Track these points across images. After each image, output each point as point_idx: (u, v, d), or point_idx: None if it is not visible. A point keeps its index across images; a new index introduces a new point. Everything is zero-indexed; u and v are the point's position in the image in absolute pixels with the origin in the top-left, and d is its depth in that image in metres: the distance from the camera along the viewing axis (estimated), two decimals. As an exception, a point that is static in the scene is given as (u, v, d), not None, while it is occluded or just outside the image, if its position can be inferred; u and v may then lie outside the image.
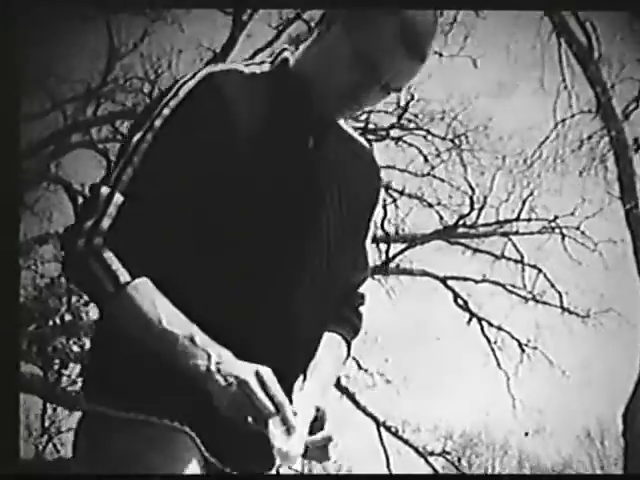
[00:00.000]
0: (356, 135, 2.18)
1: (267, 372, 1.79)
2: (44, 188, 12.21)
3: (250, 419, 1.77)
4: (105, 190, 1.87)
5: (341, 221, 2.02)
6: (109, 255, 1.83)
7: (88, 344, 10.04)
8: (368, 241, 2.16)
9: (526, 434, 13.18)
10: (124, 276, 1.82)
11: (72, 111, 12.09)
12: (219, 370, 1.77)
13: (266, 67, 2.01)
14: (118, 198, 1.86)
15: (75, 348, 10.04)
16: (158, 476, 1.86)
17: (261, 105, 1.93)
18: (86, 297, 10.25)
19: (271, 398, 1.77)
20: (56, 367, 9.99)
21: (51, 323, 10.18)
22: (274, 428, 1.77)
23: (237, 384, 1.76)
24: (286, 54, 2.02)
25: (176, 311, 1.83)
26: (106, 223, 1.85)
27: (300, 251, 1.95)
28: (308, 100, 1.95)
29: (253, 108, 1.91)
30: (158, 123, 1.88)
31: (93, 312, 10.29)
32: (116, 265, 1.82)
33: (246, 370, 1.78)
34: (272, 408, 1.76)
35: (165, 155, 1.87)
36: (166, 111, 1.88)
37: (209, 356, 1.78)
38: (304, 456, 1.87)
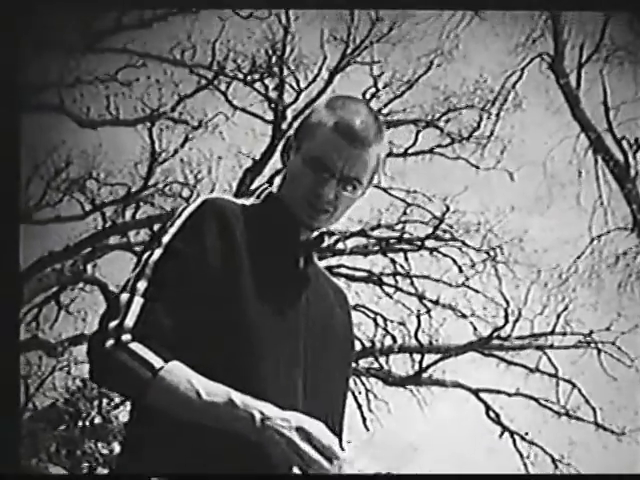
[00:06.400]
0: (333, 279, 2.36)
1: (311, 423, 1.90)
2: (80, 289, 12.32)
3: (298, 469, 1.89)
4: (125, 295, 1.99)
5: (322, 342, 2.15)
6: (139, 346, 1.93)
7: (117, 448, 9.99)
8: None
9: (526, 433, 12.85)
10: (157, 362, 1.92)
11: (111, 213, 12.26)
12: (264, 425, 1.88)
13: (253, 200, 2.20)
14: (138, 300, 1.98)
15: (104, 452, 9.99)
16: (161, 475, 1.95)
17: (254, 228, 2.09)
18: (118, 397, 10.23)
19: (319, 449, 1.88)
20: (84, 471, 9.93)
21: (80, 425, 10.15)
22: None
23: (286, 442, 1.87)
24: (270, 188, 2.22)
25: (210, 382, 1.93)
26: (130, 321, 1.95)
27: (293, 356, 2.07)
28: (297, 224, 2.14)
29: (247, 230, 2.08)
30: (165, 240, 2.04)
31: (123, 416, 10.27)
32: (147, 353, 1.92)
33: (290, 424, 1.89)
34: (321, 460, 1.88)
35: (173, 263, 2.01)
36: (172, 229, 2.04)
37: (252, 415, 1.89)
38: None
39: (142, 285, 2.00)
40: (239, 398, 1.91)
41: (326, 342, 2.15)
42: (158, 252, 2.03)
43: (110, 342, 1.93)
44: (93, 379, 2.03)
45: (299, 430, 1.89)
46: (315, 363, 2.10)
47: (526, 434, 12.77)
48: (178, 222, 2.05)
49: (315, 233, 2.19)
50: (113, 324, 1.96)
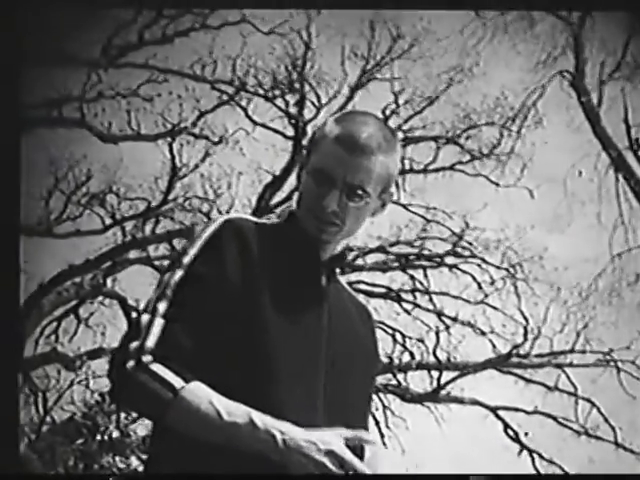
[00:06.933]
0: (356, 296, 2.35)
1: (334, 442, 1.91)
2: (99, 302, 12.36)
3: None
4: (146, 317, 2.01)
5: (347, 354, 2.15)
6: (159, 367, 1.94)
7: (135, 462, 10.00)
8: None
9: (526, 434, 12.78)
10: (178, 382, 1.93)
11: (131, 228, 12.31)
12: (287, 445, 1.89)
13: (274, 219, 2.21)
14: (159, 321, 1.99)
15: (122, 466, 9.99)
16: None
17: (274, 248, 2.10)
18: (137, 415, 10.25)
19: (343, 466, 1.90)
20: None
21: (99, 439, 10.16)
22: None
23: (314, 465, 1.88)
24: (292, 208, 2.21)
25: (231, 402, 1.93)
26: (151, 342, 1.97)
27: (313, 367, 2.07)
28: (315, 241, 2.14)
29: (268, 249, 2.08)
30: (186, 261, 2.05)
31: (141, 430, 10.28)
32: (168, 374, 1.94)
33: (318, 447, 1.90)
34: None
35: (193, 284, 2.03)
36: (192, 250, 2.05)
37: (273, 436, 1.89)
38: None
39: (163, 306, 2.01)
40: (260, 418, 1.91)
41: (348, 359, 2.14)
42: (179, 273, 2.04)
43: (131, 363, 1.95)
44: (114, 400, 2.06)
45: (329, 454, 1.89)
46: (337, 380, 2.09)
47: (526, 434, 12.71)
48: (198, 243, 2.06)
49: (337, 250, 2.17)
50: (134, 345, 1.97)
